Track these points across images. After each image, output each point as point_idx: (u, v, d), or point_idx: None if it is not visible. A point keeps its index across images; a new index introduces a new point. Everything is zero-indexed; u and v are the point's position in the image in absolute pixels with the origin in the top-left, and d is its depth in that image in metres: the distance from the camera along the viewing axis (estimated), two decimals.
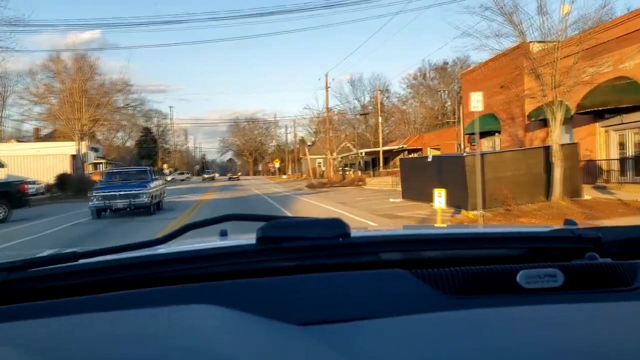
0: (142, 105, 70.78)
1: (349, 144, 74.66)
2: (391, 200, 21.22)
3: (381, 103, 58.84)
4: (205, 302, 0.85)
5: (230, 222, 1.07)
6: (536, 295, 0.93)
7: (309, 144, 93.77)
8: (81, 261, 1.00)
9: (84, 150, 40.67)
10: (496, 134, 26.03)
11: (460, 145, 30.13)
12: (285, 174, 78.56)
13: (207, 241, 1.48)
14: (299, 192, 33.13)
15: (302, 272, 0.99)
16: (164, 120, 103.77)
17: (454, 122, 34.59)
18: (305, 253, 1.02)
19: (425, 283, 0.93)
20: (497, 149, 25.23)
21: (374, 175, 45.80)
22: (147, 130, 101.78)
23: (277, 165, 74.13)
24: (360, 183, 39.07)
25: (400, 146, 43.39)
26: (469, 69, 29.29)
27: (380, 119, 46.60)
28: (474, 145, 27.61)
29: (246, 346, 0.69)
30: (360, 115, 57.16)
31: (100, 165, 69.79)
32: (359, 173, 51.93)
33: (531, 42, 23.79)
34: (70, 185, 35.60)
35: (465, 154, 15.70)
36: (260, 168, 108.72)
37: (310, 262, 1.03)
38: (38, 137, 68.47)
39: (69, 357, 0.67)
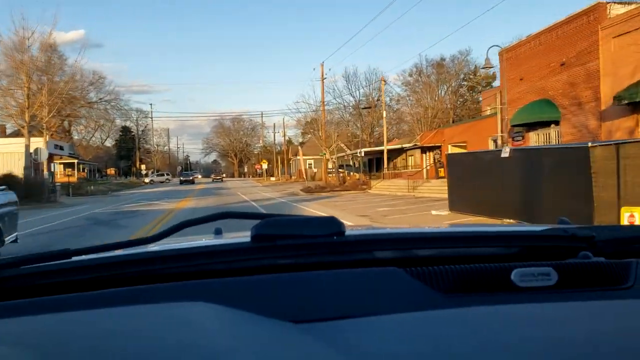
0: (117, 100, 63.66)
1: (342, 144, 68.57)
2: (434, 212, 15.17)
3: (377, 99, 52.85)
4: (200, 299, 0.84)
5: (225, 220, 1.05)
6: (530, 293, 0.92)
7: (298, 142, 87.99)
8: (74, 258, 0.99)
9: (42, 146, 33.93)
10: (552, 125, 20.01)
11: (496, 141, 24.04)
12: (272, 175, 72.05)
13: (201, 239, 1.56)
14: (296, 199, 26.89)
15: (296, 270, 0.98)
16: (145, 119, 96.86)
17: (490, 112, 28.48)
18: (299, 251, 1.01)
19: (420, 281, 0.92)
20: (554, 143, 19.22)
21: (376, 178, 39.73)
22: (126, 130, 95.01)
23: (264, 166, 67.66)
24: (364, 187, 32.95)
25: (413, 144, 36.95)
26: (510, 46, 23.15)
27: (385, 112, 40.46)
28: (517, 140, 21.52)
29: (241, 343, 0.69)
30: (363, 108, 50.74)
31: (74, 165, 62.78)
32: (357, 176, 45.90)
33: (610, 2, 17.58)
34: (18, 189, 28.78)
35: (591, 144, 9.46)
36: (246, 170, 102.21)
37: (304, 260, 1.02)
38: (3, 135, 61.04)
39: (63, 353, 0.67)
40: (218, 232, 1.65)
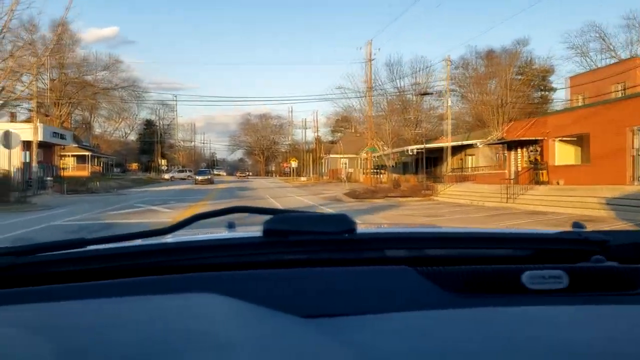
0: (134, 87, 56.35)
1: (380, 143, 60.52)
2: None
3: (425, 89, 44.69)
4: (211, 291, 0.84)
5: (238, 214, 1.05)
6: (540, 296, 0.91)
7: (327, 141, 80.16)
8: (89, 247, 0.99)
9: (30, 131, 26.72)
10: None
11: None
12: (301, 175, 64.24)
13: (214, 232, 1.53)
14: (347, 208, 19.06)
15: (307, 265, 0.97)
16: (171, 113, 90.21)
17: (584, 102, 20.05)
18: (310, 247, 1.01)
19: (430, 280, 0.91)
20: None
21: (432, 181, 31.77)
22: (150, 123, 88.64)
23: (293, 165, 60.07)
24: (428, 192, 24.97)
25: (499, 138, 27.52)
26: None
27: (449, 101, 32.51)
28: None
29: (251, 335, 0.69)
30: (423, 94, 42.52)
31: (87, 158, 55.99)
32: (408, 178, 37.98)
33: None
34: None
35: None
36: (273, 168, 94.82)
37: (315, 256, 1.01)
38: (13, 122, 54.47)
39: (76, 340, 0.67)
40: (231, 226, 1.62)
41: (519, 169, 23.82)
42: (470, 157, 38.54)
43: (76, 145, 54.92)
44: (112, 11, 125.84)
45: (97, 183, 34.65)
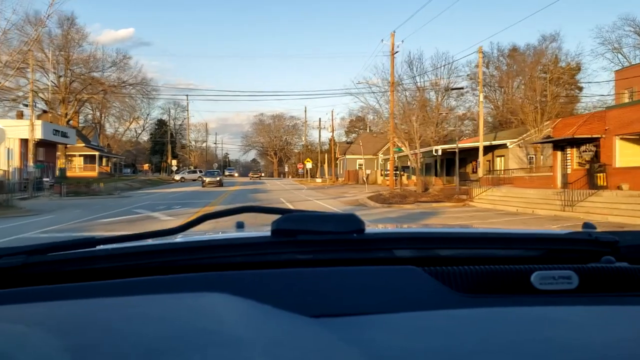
0: (144, 85, 53.80)
1: (404, 142, 57.49)
2: None
3: (448, 85, 41.70)
4: (220, 290, 0.84)
5: (247, 214, 1.04)
6: (550, 296, 0.90)
7: (343, 142, 77.22)
8: (99, 247, 1.00)
9: (28, 127, 24.25)
10: None
11: None
12: (315, 176, 61.44)
13: (223, 232, 1.56)
14: (377, 214, 16.20)
15: (315, 265, 0.96)
16: (184, 113, 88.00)
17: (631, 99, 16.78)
18: (319, 247, 1.00)
19: (438, 280, 0.90)
20: None
21: (462, 184, 28.87)
22: (162, 123, 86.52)
23: (309, 165, 57.22)
24: (463, 197, 22.06)
25: (545, 137, 24.05)
26: None
27: (481, 95, 29.45)
28: None
29: (259, 334, 0.69)
30: (452, 89, 39.56)
31: (95, 158, 53.70)
32: (435, 180, 35.10)
33: None
34: None
35: None
36: (286, 169, 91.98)
37: (324, 255, 1.01)
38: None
39: (85, 338, 0.67)
40: (240, 226, 1.62)
41: (568, 171, 20.74)
42: (499, 159, 35.51)
43: (84, 144, 52.73)
44: (128, 12, 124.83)
45: (102, 184, 32.14)
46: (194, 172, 60.56)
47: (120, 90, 50.59)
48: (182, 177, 57.09)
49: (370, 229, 1.04)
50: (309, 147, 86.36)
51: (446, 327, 0.74)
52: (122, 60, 50.11)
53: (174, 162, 60.07)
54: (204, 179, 42.12)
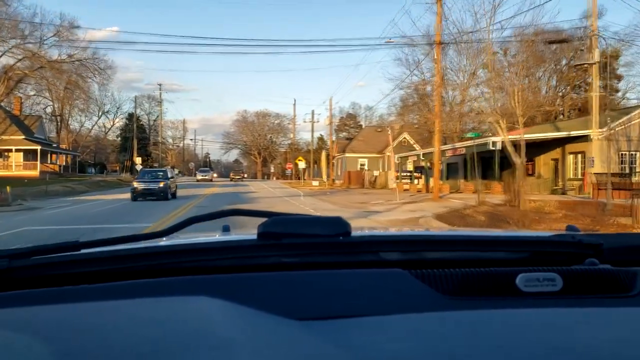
0: (94, 60, 42.00)
1: (407, 138, 46.98)
2: None
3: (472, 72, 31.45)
4: (207, 294, 0.82)
5: (233, 217, 1.00)
6: (535, 298, 0.89)
7: (344, 137, 66.46)
8: (83, 251, 0.97)
9: None
10: None
11: None
12: (302, 177, 50.42)
13: (209, 236, 1.52)
14: None
15: (302, 268, 0.96)
16: (158, 108, 76.65)
17: None
18: (305, 250, 0.99)
19: (424, 283, 0.89)
20: None
21: (507, 191, 18.57)
22: (132, 117, 75.22)
23: (302, 165, 46.33)
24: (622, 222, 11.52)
25: None
26: None
27: (595, 51, 19.03)
28: None
29: (246, 337, 0.68)
30: (551, 42, 28.53)
31: (37, 153, 42.19)
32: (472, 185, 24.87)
33: None
34: None
35: None
36: (272, 169, 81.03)
37: (310, 259, 0.99)
38: None
39: (70, 342, 0.66)
40: (225, 229, 1.58)
41: None
42: (572, 156, 25.33)
43: (24, 137, 41.09)
44: (111, 12, 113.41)
45: (8, 188, 20.94)
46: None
47: (61, 66, 38.77)
48: None
49: (356, 232, 1.02)
50: (296, 146, 75.65)
51: (433, 330, 0.74)
52: (68, 30, 38.30)
53: (138, 160, 48.66)
54: (136, 185, 21.76)
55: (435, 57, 20.94)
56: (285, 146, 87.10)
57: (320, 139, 79.38)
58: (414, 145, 44.05)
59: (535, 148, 25.04)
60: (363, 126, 70.67)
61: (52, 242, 0.97)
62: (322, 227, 0.95)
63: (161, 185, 21.71)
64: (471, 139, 27.47)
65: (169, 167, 66.03)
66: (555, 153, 26.26)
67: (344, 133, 78.19)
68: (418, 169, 36.12)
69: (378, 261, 1.04)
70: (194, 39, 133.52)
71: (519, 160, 15.42)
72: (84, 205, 19.04)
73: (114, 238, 1.00)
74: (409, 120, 43.76)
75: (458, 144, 25.97)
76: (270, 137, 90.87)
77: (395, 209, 17.87)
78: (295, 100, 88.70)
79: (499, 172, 23.36)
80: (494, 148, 23.05)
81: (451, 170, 33.51)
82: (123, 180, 44.61)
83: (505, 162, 27.59)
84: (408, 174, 35.73)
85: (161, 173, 24.04)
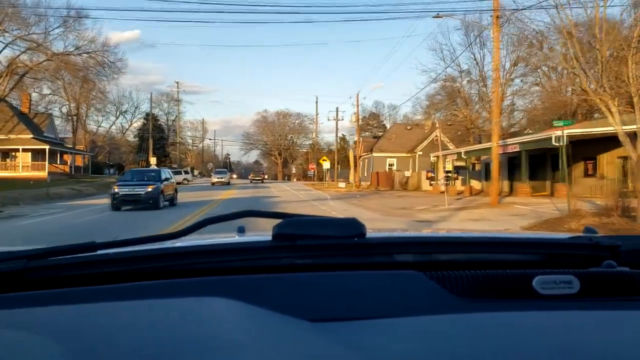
0: (104, 52, 39.00)
1: (439, 136, 43.11)
2: None
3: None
4: (221, 295, 0.82)
5: (248, 218, 1.02)
6: (551, 301, 0.88)
7: (372, 135, 62.71)
8: (100, 252, 0.97)
9: None
10: None
11: None
12: (324, 179, 46.97)
13: (224, 237, 1.53)
14: None
15: (316, 269, 0.95)
16: (175, 108, 74.19)
17: None
18: (319, 251, 0.97)
19: (439, 285, 0.87)
20: None
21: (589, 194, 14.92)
22: (148, 116, 72.79)
23: (326, 165, 42.86)
24: None
25: None
26: None
27: None
28: None
29: (258, 338, 0.68)
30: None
31: (46, 153, 39.63)
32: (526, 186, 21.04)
33: None
34: None
35: None
36: (294, 170, 77.81)
37: (324, 260, 0.98)
38: None
39: (87, 342, 0.67)
40: (241, 230, 1.56)
41: None
42: None
43: (32, 136, 38.50)
44: (133, 14, 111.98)
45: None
46: (179, 172, 46.27)
47: (69, 58, 35.89)
48: None
49: (371, 233, 1.01)
50: (318, 146, 72.29)
51: (447, 332, 0.73)
52: (75, 20, 35.37)
53: (153, 159, 45.91)
54: (116, 189, 16.92)
55: (494, 31, 17.28)
56: (307, 147, 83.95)
57: (343, 139, 75.91)
58: (448, 144, 40.33)
59: (596, 144, 21.30)
60: (387, 126, 67.13)
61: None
62: (336, 228, 0.94)
63: (149, 190, 16.67)
64: (529, 134, 23.58)
65: (188, 167, 63.55)
66: (624, 150, 22.40)
67: (367, 133, 74.55)
68: (455, 169, 32.50)
69: (392, 263, 1.02)
70: (214, 38, 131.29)
71: (635, 154, 11.74)
72: (76, 213, 15.87)
73: (130, 239, 0.99)
74: (445, 117, 39.98)
75: (517, 139, 22.32)
76: (291, 137, 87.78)
77: (450, 217, 14.43)
78: (317, 97, 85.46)
79: (561, 172, 19.65)
80: (558, 144, 19.29)
81: (490, 171, 29.77)
82: None
83: (539, 163, 24.08)
84: (446, 174, 32.13)
85: (153, 174, 18.94)
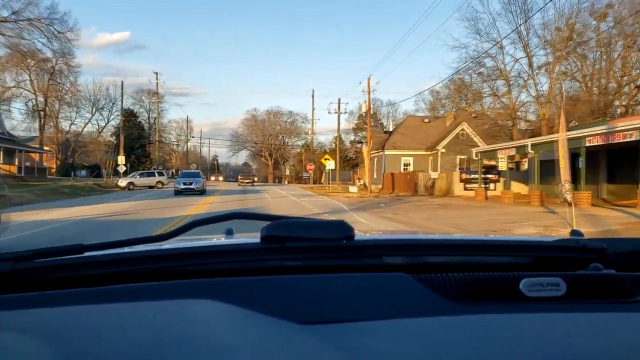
0: (48, 20, 31.12)
1: (465, 130, 36.01)
2: None
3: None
4: (209, 297, 0.82)
5: (237, 220, 1.00)
6: (538, 303, 0.88)
7: (384, 131, 55.63)
8: (87, 254, 0.96)
9: None
10: None
11: None
12: (319, 181, 39.56)
13: (212, 239, 1.50)
14: None
15: (305, 272, 0.94)
16: (160, 105, 66.58)
17: None
18: (308, 253, 0.97)
19: (428, 287, 0.87)
20: None
21: None
22: (130, 114, 65.01)
23: (330, 165, 35.42)
24: None
25: None
26: None
27: None
28: None
29: (248, 340, 0.68)
30: None
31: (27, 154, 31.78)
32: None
33: None
34: None
35: None
36: (287, 172, 70.36)
37: (313, 262, 0.98)
38: None
39: (74, 345, 0.66)
40: (229, 232, 1.55)
41: None
42: None
43: None
44: (123, 16, 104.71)
45: None
46: (152, 174, 38.43)
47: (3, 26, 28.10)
48: (129, 183, 34.79)
49: (360, 236, 1.00)
50: (309, 147, 64.98)
51: (436, 334, 0.73)
52: None
53: (121, 159, 38.22)
54: None
55: None
56: (299, 147, 76.61)
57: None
58: (475, 140, 33.29)
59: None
60: (386, 126, 60.24)
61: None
62: (326, 230, 0.93)
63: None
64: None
65: (166, 169, 55.83)
66: None
67: (363, 132, 67.47)
68: (487, 170, 25.53)
69: (381, 265, 1.02)
70: (203, 36, 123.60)
71: None
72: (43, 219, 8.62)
73: (118, 241, 0.97)
74: (473, 105, 32.86)
75: (632, 123, 15.41)
76: (283, 137, 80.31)
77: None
78: (313, 90, 77.98)
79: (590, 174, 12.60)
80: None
81: (545, 172, 22.85)
82: (100, 185, 34.10)
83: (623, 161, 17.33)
84: (494, 174, 25.05)
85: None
